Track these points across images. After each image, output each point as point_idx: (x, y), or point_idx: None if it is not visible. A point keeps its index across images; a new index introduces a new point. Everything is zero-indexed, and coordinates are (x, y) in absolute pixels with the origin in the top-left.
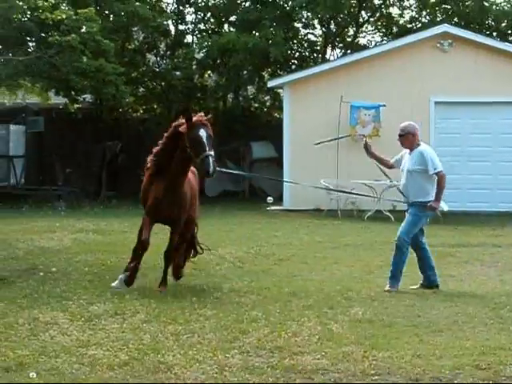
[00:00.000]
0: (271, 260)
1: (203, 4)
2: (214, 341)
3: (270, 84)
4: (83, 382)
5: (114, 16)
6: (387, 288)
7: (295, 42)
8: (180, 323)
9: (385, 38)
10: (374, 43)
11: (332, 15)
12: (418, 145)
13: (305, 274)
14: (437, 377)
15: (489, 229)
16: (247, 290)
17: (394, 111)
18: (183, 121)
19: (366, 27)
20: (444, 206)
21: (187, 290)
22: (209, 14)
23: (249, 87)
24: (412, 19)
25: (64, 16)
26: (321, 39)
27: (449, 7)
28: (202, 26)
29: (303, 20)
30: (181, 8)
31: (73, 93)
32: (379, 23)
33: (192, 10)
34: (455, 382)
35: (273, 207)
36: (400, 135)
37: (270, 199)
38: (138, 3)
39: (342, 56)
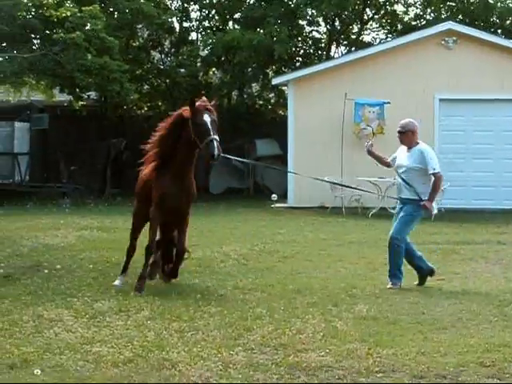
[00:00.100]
0: (275, 257)
1: (208, 1)
2: (218, 338)
3: (275, 81)
4: (88, 379)
5: (119, 13)
6: (389, 286)
7: (300, 39)
8: (184, 320)
9: (389, 36)
10: (378, 40)
11: (336, 12)
12: (417, 143)
13: (309, 271)
14: (441, 374)
15: (493, 226)
16: (251, 288)
17: (399, 108)
18: (185, 108)
19: (371, 24)
20: (434, 209)
21: (191, 288)
22: (213, 12)
23: (253, 84)
24: (416, 16)
25: (68, 13)
26: (325, 36)
27: (453, 4)
28: (206, 24)
29: (308, 17)
30: (185, 5)
31: (77, 90)
32: (384, 20)
33: (197, 7)
34: (459, 379)
35: (277, 204)
36: (400, 132)
37: (274, 196)
38: (142, 0)
39: (346, 53)
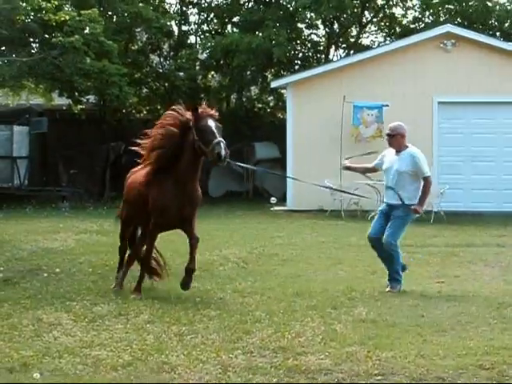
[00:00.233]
0: (275, 260)
1: (206, 5)
2: (217, 341)
3: (274, 84)
4: (87, 383)
5: (118, 17)
6: (388, 289)
7: (298, 42)
8: (184, 324)
9: (388, 38)
10: (377, 43)
11: (335, 15)
12: (407, 146)
13: (308, 274)
14: (440, 377)
15: (492, 229)
16: (251, 291)
17: (397, 111)
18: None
19: (370, 27)
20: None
21: (191, 291)
22: (212, 15)
23: (252, 88)
24: (415, 19)
25: (67, 17)
26: (324, 39)
27: (452, 7)
28: (205, 27)
29: (306, 20)
30: (184, 9)
31: (76, 94)
32: (382, 23)
33: (195, 10)
34: (459, 381)
35: (276, 207)
36: (389, 135)
37: (273, 199)
38: (141, 4)
39: (345, 56)
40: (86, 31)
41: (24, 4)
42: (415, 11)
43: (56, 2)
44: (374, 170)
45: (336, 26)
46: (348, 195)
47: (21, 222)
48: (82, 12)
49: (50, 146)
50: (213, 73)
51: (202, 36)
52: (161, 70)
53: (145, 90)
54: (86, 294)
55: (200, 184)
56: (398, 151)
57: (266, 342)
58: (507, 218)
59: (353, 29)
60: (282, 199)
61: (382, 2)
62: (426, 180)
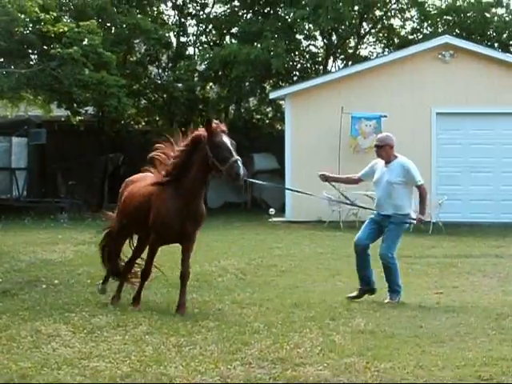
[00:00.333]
0: (273, 271)
1: (205, 16)
2: (216, 352)
3: (272, 95)
4: None
5: (116, 28)
6: (387, 300)
7: (297, 53)
8: (182, 335)
9: (386, 50)
10: (375, 54)
11: (333, 27)
12: (396, 157)
13: (307, 285)
14: None
15: (491, 240)
16: (249, 302)
17: (396, 122)
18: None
19: (368, 38)
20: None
21: (189, 302)
22: (210, 26)
23: (250, 99)
24: (413, 30)
25: (66, 28)
26: (322, 51)
27: (450, 18)
28: (203, 38)
29: (305, 32)
30: (182, 20)
31: (75, 105)
32: (380, 34)
33: (194, 22)
34: None
35: (275, 218)
36: (378, 146)
37: (271, 211)
38: (139, 15)
39: (343, 67)
40: (85, 42)
41: (22, 15)
42: (413, 22)
43: (54, 14)
44: (358, 181)
45: (334, 37)
46: (347, 206)
47: (19, 234)
48: (81, 23)
49: (49, 158)
50: (211, 84)
51: (200, 47)
52: (159, 82)
53: (143, 102)
54: (84, 306)
55: None
56: (388, 162)
57: (265, 353)
58: (505, 229)
59: (351, 40)
60: (281, 210)
61: (381, 13)
62: (421, 188)
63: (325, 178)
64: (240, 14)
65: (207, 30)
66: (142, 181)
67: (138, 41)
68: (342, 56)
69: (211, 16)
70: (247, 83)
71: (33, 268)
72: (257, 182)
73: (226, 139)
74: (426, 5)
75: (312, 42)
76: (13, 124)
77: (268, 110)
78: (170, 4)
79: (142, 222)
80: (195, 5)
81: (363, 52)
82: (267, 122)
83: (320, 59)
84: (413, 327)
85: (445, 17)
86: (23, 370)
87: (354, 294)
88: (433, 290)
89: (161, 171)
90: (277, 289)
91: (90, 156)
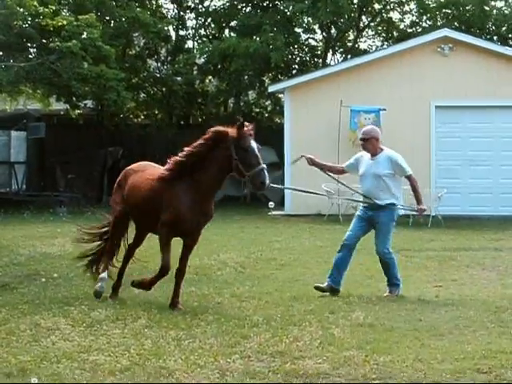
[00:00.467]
0: (272, 265)
1: (204, 9)
2: (215, 346)
3: (271, 89)
4: None
5: (115, 22)
6: (386, 294)
7: (296, 46)
8: (181, 328)
9: (385, 43)
10: (374, 48)
11: (332, 20)
12: (382, 149)
13: (306, 278)
14: (438, 381)
15: (490, 233)
16: (248, 295)
17: (395, 115)
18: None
19: (367, 32)
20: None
21: (188, 296)
22: (209, 20)
23: (250, 92)
24: (412, 24)
25: (65, 22)
26: (321, 44)
27: (449, 11)
28: (202, 32)
29: (304, 25)
30: (181, 14)
31: (74, 99)
32: (380, 28)
33: (193, 15)
34: None
35: (274, 212)
36: (364, 139)
37: (271, 204)
38: (138, 9)
39: (342, 61)
40: (84, 36)
41: (21, 9)
42: (412, 15)
43: (53, 7)
44: (342, 171)
45: (333, 30)
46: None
47: (18, 227)
48: (80, 17)
49: (48, 151)
50: (210, 77)
51: (199, 41)
52: (158, 75)
53: (142, 95)
54: (83, 299)
55: None
56: (374, 155)
57: (264, 346)
58: (505, 222)
59: (350, 33)
60: (280, 204)
61: (380, 7)
62: (411, 178)
63: (311, 162)
64: (239, 7)
65: (206, 23)
66: (146, 170)
67: (136, 34)
68: (341, 49)
69: (210, 9)
70: (246, 76)
71: (32, 262)
72: (278, 187)
73: (254, 144)
74: None
75: (311, 36)
76: (12, 118)
77: (267, 103)
78: None
79: (148, 213)
80: None
81: (362, 45)
82: (266, 115)
83: (319, 52)
84: (412, 320)
85: (444, 10)
86: (22, 363)
87: (323, 285)
88: (432, 284)
89: (173, 163)
90: (276, 282)
91: (89, 150)
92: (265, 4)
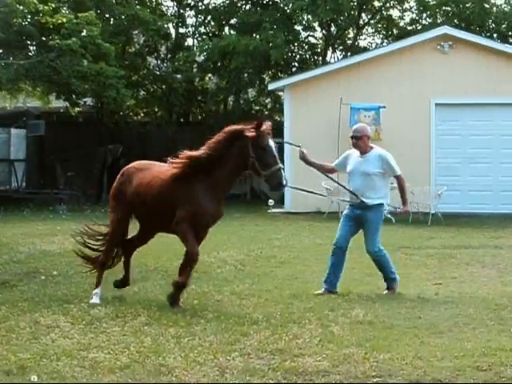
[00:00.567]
0: (272, 262)
1: (203, 7)
2: (214, 343)
3: (271, 87)
4: None
5: (115, 19)
6: (386, 292)
7: (296, 44)
8: (181, 326)
9: (385, 40)
10: (374, 45)
11: (332, 18)
12: (372, 147)
13: (306, 276)
14: (438, 378)
15: (490, 230)
16: (248, 293)
17: (395, 113)
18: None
19: (367, 29)
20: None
21: (188, 293)
22: (209, 17)
23: (249, 90)
24: (412, 21)
25: (64, 20)
26: (321, 42)
27: (449, 9)
28: (202, 29)
29: (304, 22)
30: (181, 11)
31: (73, 96)
32: (379, 25)
33: (192, 13)
34: (456, 383)
35: (274, 210)
36: (356, 137)
37: (271, 202)
38: (138, 6)
39: (342, 58)
40: (83, 34)
41: (21, 7)
42: (412, 13)
43: (53, 5)
44: (332, 170)
45: (333, 28)
46: (346, 196)
47: (18, 225)
48: (79, 15)
49: (48, 149)
50: (210, 75)
51: (199, 38)
52: (158, 73)
53: (142, 93)
54: (83, 297)
55: None
56: (364, 153)
57: (264, 344)
58: (504, 220)
59: (350, 31)
60: (280, 201)
61: (379, 4)
62: (399, 178)
63: (302, 156)
64: (239, 4)
65: (206, 20)
66: (152, 168)
67: (136, 32)
68: (341, 47)
69: (210, 7)
70: (246, 74)
71: (32, 259)
72: (297, 188)
73: (272, 143)
74: None
75: (311, 33)
76: (11, 115)
77: (267, 101)
78: None
79: (160, 211)
80: None
81: (362, 43)
82: (266, 113)
83: (319, 50)
84: (412, 318)
85: (444, 7)
86: (22, 361)
87: (320, 291)
88: (432, 281)
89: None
90: (276, 280)
91: (89, 147)
92: (265, 1)
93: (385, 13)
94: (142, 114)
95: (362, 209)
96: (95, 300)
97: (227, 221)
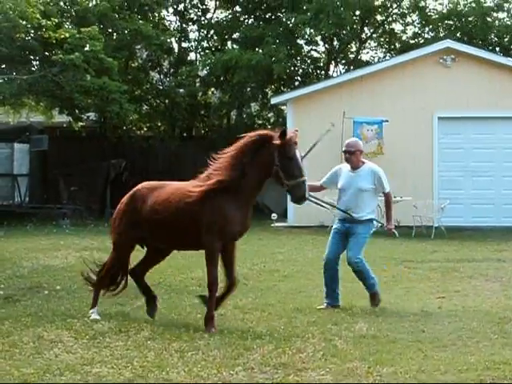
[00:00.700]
0: (276, 276)
1: (206, 21)
2: (218, 357)
3: (274, 101)
4: None
5: (118, 34)
6: (371, 305)
7: (298, 58)
8: (184, 340)
9: (388, 54)
10: (376, 59)
11: (335, 32)
12: (363, 162)
13: (309, 290)
14: None
15: (493, 244)
16: (251, 307)
17: (397, 127)
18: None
19: (369, 43)
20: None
21: (191, 307)
22: (212, 32)
23: (252, 104)
24: (415, 35)
25: (67, 35)
26: (324, 56)
27: (451, 23)
28: (205, 44)
29: (306, 37)
30: (184, 26)
31: (77, 111)
32: (382, 39)
33: (195, 27)
34: None
35: (277, 224)
36: (350, 152)
37: (274, 216)
38: (141, 21)
39: (345, 72)
40: (86, 48)
41: (24, 22)
42: (415, 27)
43: (56, 20)
44: (320, 188)
45: (336, 42)
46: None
47: (21, 240)
48: (82, 29)
49: (51, 164)
50: (213, 89)
51: (202, 53)
52: (161, 87)
53: (145, 107)
54: (86, 312)
55: None
56: (356, 168)
57: (267, 358)
58: (507, 233)
59: (352, 45)
60: (283, 215)
61: (382, 18)
62: (388, 195)
63: None
64: (241, 19)
65: (209, 35)
66: (168, 186)
67: (139, 46)
68: (344, 61)
69: (213, 21)
70: (249, 88)
71: (35, 274)
72: (317, 201)
73: (298, 154)
74: (427, 9)
75: (313, 47)
76: (15, 130)
77: (270, 115)
78: (171, 10)
79: (181, 228)
80: (196, 10)
81: (365, 57)
82: (269, 127)
83: (321, 64)
84: (415, 332)
85: (446, 21)
86: (25, 376)
87: (323, 306)
88: (435, 295)
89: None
90: (279, 294)
91: (92, 162)
92: (267, 16)
93: (387, 27)
94: (145, 129)
95: (352, 222)
96: (94, 316)
97: None
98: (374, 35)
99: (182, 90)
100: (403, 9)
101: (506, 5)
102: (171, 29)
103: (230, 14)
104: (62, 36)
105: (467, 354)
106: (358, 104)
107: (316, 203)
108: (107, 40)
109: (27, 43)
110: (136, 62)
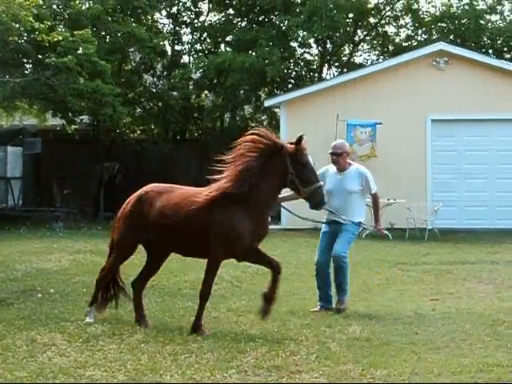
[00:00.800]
0: (269, 279)
1: (199, 24)
2: (211, 360)
3: (267, 103)
4: None
5: (111, 37)
6: (338, 306)
7: (291, 61)
8: (178, 343)
9: (381, 57)
10: (370, 62)
11: (328, 34)
12: (350, 164)
13: (303, 292)
14: None
15: (487, 246)
16: (245, 310)
17: (391, 129)
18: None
19: (362, 46)
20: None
21: (185, 310)
22: (205, 34)
23: (246, 107)
24: (408, 37)
25: (60, 38)
26: (317, 58)
27: (444, 25)
28: (198, 46)
29: (299, 39)
30: (177, 28)
31: (70, 114)
32: (375, 42)
33: (188, 30)
34: None
35: (270, 226)
36: (337, 154)
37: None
38: (134, 24)
39: (338, 75)
40: (79, 51)
41: (17, 25)
42: (408, 29)
43: (49, 23)
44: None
45: (329, 44)
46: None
47: (15, 243)
48: (75, 32)
49: (44, 167)
50: (206, 92)
51: (195, 55)
52: (154, 90)
53: (138, 110)
54: (80, 315)
55: None
56: (342, 170)
57: (261, 360)
58: (501, 235)
59: (346, 47)
60: (276, 218)
61: (375, 21)
62: (375, 196)
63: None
64: (234, 22)
65: (202, 38)
66: (176, 190)
67: (132, 49)
68: (337, 63)
69: (206, 24)
70: (242, 91)
71: (28, 277)
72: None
73: (311, 161)
74: (420, 12)
75: (307, 50)
76: (8, 133)
77: (263, 117)
78: (164, 12)
79: (190, 235)
80: (190, 13)
81: (358, 59)
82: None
83: (315, 67)
84: (408, 334)
85: (439, 24)
86: (19, 379)
87: (316, 309)
88: (428, 297)
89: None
90: None
91: (86, 165)
92: (260, 19)
93: (380, 29)
94: (139, 132)
95: (340, 223)
96: (89, 319)
97: None
98: (367, 38)
99: (175, 93)
100: (396, 11)
101: (498, 7)
102: (164, 31)
103: (223, 16)
104: (55, 39)
105: (461, 356)
106: (351, 106)
107: (297, 216)
108: (100, 43)
109: (20, 46)
110: (129, 65)
